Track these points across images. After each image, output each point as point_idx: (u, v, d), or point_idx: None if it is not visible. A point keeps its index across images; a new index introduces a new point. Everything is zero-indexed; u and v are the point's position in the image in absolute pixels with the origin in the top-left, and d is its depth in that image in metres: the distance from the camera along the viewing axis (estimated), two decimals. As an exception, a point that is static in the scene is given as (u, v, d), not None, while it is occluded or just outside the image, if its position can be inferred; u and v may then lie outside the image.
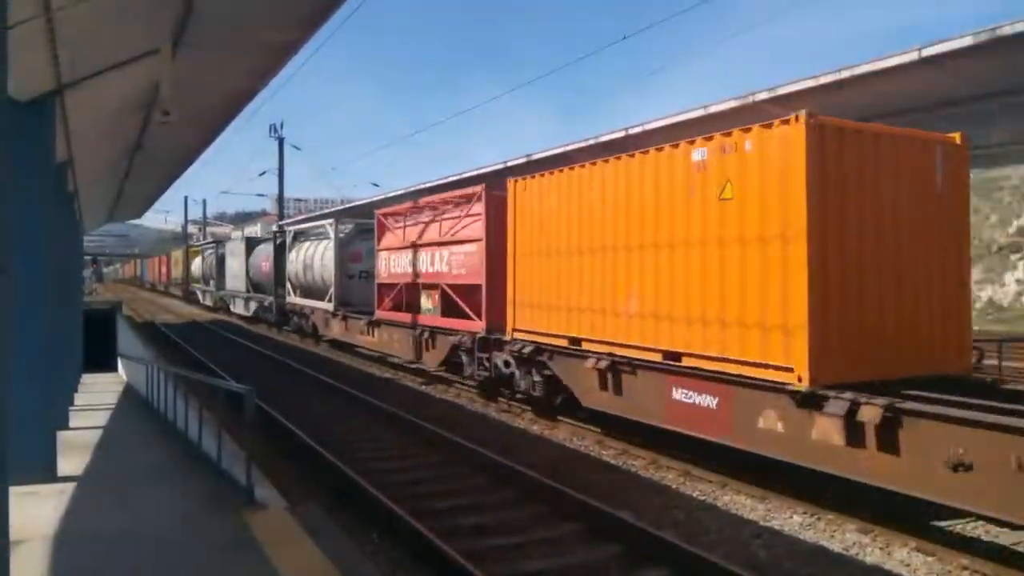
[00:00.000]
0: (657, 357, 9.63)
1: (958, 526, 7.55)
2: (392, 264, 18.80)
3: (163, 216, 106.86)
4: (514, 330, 12.94)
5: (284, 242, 29.24)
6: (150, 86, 8.50)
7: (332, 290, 23.29)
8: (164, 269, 71.82)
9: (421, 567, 6.63)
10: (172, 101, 7.97)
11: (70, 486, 7.44)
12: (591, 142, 17.74)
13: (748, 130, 8.37)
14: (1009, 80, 12.36)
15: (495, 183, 15.15)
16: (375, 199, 38.27)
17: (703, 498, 8.80)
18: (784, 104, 13.27)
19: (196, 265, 50.88)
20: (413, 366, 17.91)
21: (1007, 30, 10.54)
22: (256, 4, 6.92)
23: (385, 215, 19.63)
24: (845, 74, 13.42)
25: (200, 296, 49.53)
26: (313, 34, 7.69)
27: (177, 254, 63.32)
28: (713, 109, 14.93)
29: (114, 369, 17.34)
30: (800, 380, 7.71)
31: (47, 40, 5.88)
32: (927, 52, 11.21)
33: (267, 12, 7.15)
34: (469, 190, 15.24)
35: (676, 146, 9.28)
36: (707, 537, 7.47)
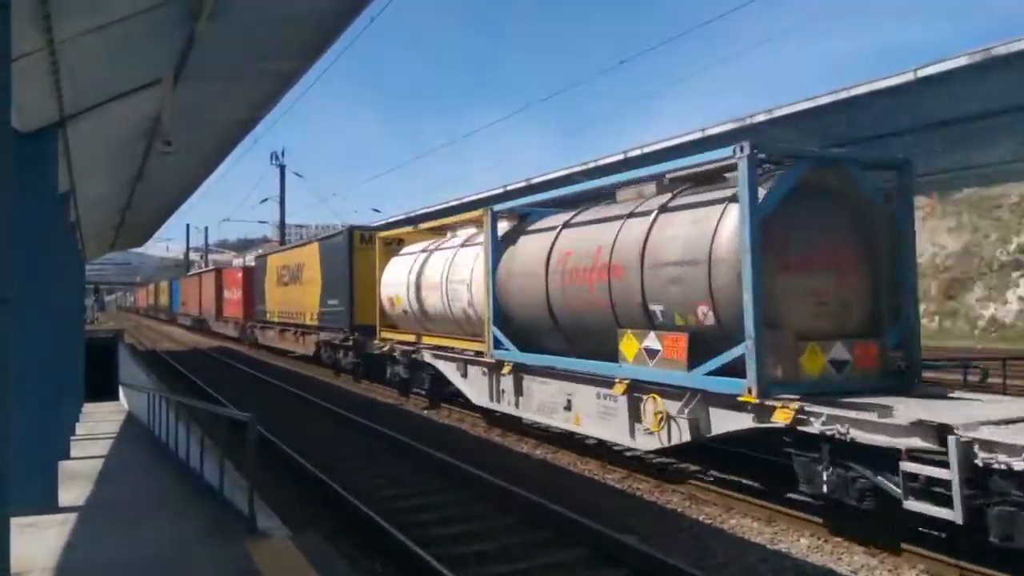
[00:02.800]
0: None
1: (967, 548, 7.46)
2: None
3: (165, 244, 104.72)
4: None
5: None
6: (152, 116, 8.57)
7: None
8: (238, 295, 38.04)
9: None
10: (173, 131, 8.04)
11: (72, 517, 7.38)
12: (591, 165, 17.82)
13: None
14: (1009, 100, 12.42)
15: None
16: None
17: (709, 522, 8.73)
18: (783, 125, 13.36)
19: (418, 289, 16.65)
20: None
21: (1001, 50, 10.63)
22: (257, 35, 6.99)
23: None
24: (843, 95, 13.52)
25: (480, 393, 14.48)
26: (313, 64, 7.76)
27: (302, 254, 27.38)
28: (711, 131, 15.03)
29: (115, 398, 17.30)
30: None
31: (50, 72, 5.94)
32: (922, 73, 11.32)
33: (267, 42, 7.22)
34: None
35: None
36: (714, 561, 7.41)
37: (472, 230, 15.63)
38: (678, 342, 9.20)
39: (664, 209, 9.79)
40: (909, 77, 11.42)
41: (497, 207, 13.66)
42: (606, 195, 11.79)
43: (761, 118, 13.96)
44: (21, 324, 7.21)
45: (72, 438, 11.40)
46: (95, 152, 10.03)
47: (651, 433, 9.61)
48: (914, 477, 6.53)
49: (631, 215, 10.35)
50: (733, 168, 8.58)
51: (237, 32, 6.65)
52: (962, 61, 10.65)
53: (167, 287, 72.37)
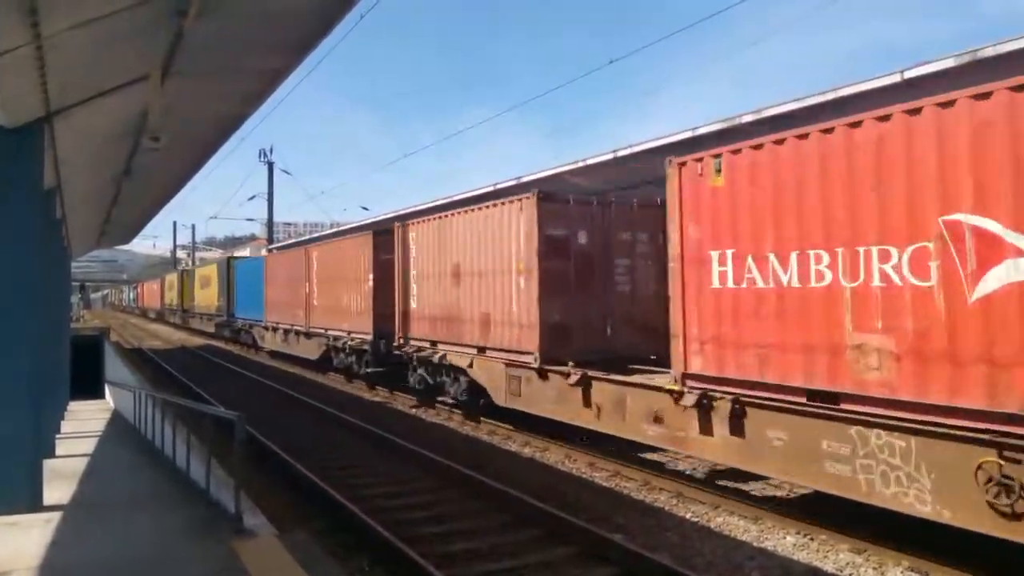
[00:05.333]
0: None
1: (952, 544, 7.54)
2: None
3: (151, 241, 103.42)
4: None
5: None
6: (139, 112, 8.51)
7: None
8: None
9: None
10: (161, 127, 7.98)
11: (56, 515, 7.33)
12: (580, 164, 17.82)
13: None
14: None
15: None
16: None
17: (696, 520, 8.77)
18: (770, 125, 13.41)
19: None
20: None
21: (988, 52, 10.74)
22: (244, 31, 6.96)
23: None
24: (829, 96, 13.59)
25: None
26: (301, 61, 7.74)
27: None
28: (701, 131, 15.04)
29: (101, 396, 17.20)
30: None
31: (36, 67, 5.89)
32: (909, 75, 11.39)
33: (256, 39, 7.19)
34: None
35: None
36: (701, 559, 7.44)
37: None
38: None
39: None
40: (896, 79, 11.47)
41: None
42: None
43: (748, 118, 14.00)
44: (5, 321, 7.17)
45: (57, 436, 11.33)
46: (82, 148, 9.95)
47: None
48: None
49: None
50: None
51: (225, 28, 6.62)
52: (948, 63, 10.72)
53: (215, 274, 40.37)
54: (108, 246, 38.39)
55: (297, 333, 26.44)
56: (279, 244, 37.97)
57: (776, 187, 8.31)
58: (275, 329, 29.25)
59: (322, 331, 23.61)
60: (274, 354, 30.34)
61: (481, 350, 14.26)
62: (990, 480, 6.32)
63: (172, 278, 60.13)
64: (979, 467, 6.40)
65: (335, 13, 6.56)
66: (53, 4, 4.84)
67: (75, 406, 15.02)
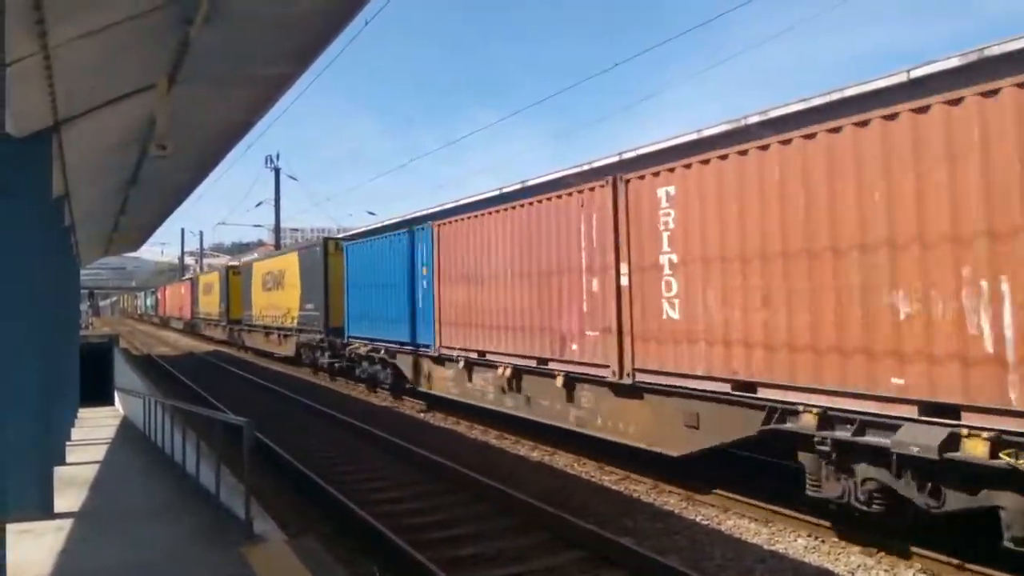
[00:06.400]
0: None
1: (963, 547, 7.49)
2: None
3: (159, 248, 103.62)
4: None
5: None
6: (146, 121, 8.56)
7: None
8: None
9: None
10: (168, 135, 8.01)
11: (67, 523, 7.36)
12: (585, 168, 17.83)
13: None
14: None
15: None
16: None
17: (706, 523, 8.75)
18: (775, 127, 13.40)
19: None
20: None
21: (994, 50, 10.68)
22: (250, 39, 6.99)
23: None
24: (835, 96, 13.58)
25: None
26: (307, 67, 7.77)
27: None
28: (707, 133, 15.05)
29: (111, 403, 17.27)
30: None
31: (45, 77, 5.93)
32: (915, 74, 11.36)
33: (261, 47, 7.22)
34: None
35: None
36: (711, 562, 7.42)
37: None
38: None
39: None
40: (902, 78, 11.45)
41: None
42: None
43: (754, 119, 14.00)
44: (16, 329, 7.22)
45: (68, 443, 11.37)
46: (90, 156, 10.01)
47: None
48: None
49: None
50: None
51: (231, 36, 6.65)
52: (954, 62, 10.69)
53: (294, 270, 27.32)
54: (116, 253, 38.55)
55: (574, 381, 11.68)
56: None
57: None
58: (478, 364, 14.33)
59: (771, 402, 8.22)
60: (457, 407, 15.93)
61: None
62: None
63: (211, 278, 46.48)
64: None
65: (340, 19, 6.58)
66: (60, 14, 4.87)
67: (85, 413, 15.08)
